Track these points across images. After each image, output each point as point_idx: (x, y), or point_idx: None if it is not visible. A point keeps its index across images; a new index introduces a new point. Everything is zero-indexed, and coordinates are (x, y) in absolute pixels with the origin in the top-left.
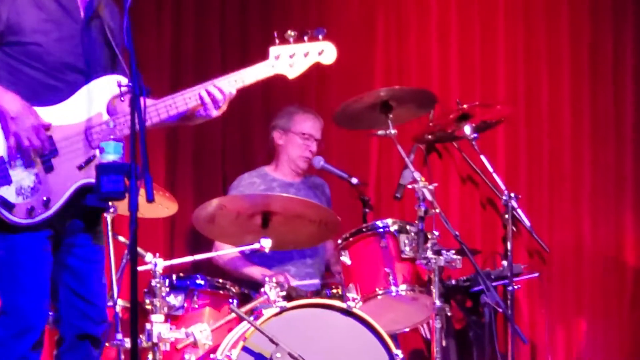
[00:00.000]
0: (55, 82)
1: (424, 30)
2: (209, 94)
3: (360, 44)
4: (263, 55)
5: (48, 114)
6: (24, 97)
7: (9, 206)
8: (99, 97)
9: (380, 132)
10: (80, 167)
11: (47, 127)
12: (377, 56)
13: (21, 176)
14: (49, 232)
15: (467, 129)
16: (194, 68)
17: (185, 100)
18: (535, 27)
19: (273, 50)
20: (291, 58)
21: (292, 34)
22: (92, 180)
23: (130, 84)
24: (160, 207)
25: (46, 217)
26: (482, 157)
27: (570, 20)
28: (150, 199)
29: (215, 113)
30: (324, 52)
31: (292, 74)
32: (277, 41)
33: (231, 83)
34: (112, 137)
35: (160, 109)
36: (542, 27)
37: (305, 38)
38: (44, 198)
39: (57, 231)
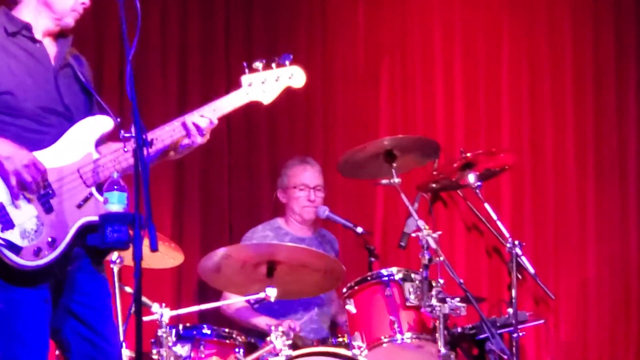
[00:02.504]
0: (39, 127)
1: (428, 79)
2: (193, 123)
3: (366, 93)
4: None
5: (41, 157)
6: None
7: (17, 249)
8: (85, 137)
9: (384, 181)
10: (79, 206)
11: (44, 168)
12: (381, 105)
13: (23, 219)
14: (49, 283)
15: (471, 177)
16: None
17: (170, 132)
18: (539, 76)
19: (245, 79)
20: (263, 84)
21: (260, 63)
22: (93, 218)
23: (132, 134)
24: (166, 257)
25: (54, 257)
26: (487, 205)
27: (574, 68)
28: (154, 248)
29: (200, 140)
30: (294, 75)
31: (266, 99)
32: (246, 71)
33: (210, 112)
34: (116, 187)
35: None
36: (546, 75)
37: (273, 65)
38: (49, 239)
39: (57, 278)
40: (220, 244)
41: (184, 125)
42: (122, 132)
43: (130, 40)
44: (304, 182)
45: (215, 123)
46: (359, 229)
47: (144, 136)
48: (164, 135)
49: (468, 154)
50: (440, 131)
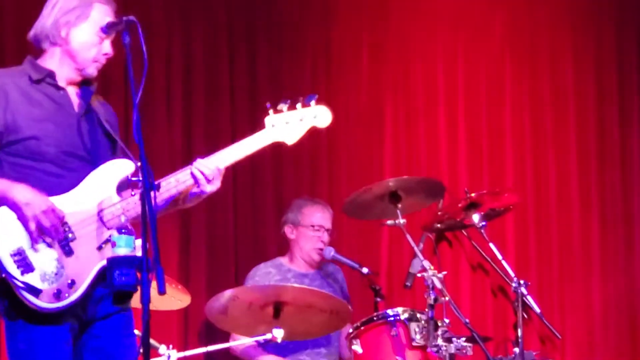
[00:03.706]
0: (61, 171)
1: (431, 120)
2: (200, 171)
3: (369, 133)
4: None
5: (59, 202)
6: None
7: (36, 291)
8: (107, 180)
9: (389, 222)
10: (99, 248)
11: (63, 213)
12: (386, 145)
13: (43, 262)
14: (70, 324)
15: (476, 218)
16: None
17: (175, 183)
18: (542, 115)
19: (268, 120)
20: (287, 125)
21: (285, 104)
22: None
23: (140, 178)
24: (173, 299)
25: (74, 300)
26: (491, 245)
27: (577, 107)
28: (161, 291)
29: (209, 189)
30: (318, 116)
31: (290, 140)
32: (270, 111)
33: (229, 155)
34: (124, 231)
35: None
36: (549, 115)
37: (298, 105)
38: (69, 281)
39: (80, 318)
40: (226, 285)
41: (192, 174)
42: (129, 176)
43: (137, 81)
44: (321, 223)
45: (222, 170)
46: (365, 270)
47: (150, 180)
48: (170, 185)
49: (472, 194)
50: (444, 171)
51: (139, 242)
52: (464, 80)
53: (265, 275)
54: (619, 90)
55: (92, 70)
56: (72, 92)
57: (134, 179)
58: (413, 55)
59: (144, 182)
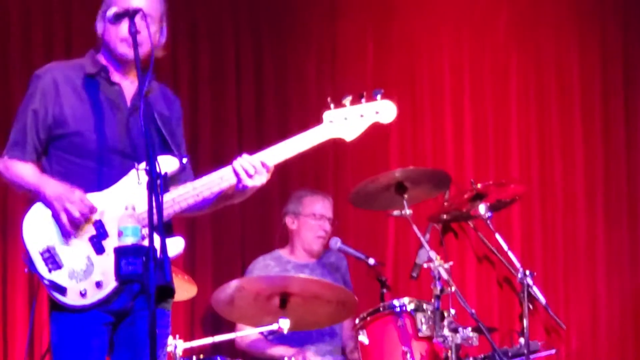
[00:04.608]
0: (103, 168)
1: (437, 111)
2: (243, 167)
3: (376, 125)
4: (278, 133)
5: (97, 198)
6: (76, 187)
7: (61, 290)
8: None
9: (395, 213)
10: None
11: (92, 204)
12: (392, 136)
13: (73, 259)
14: (106, 318)
15: (482, 208)
16: (211, 148)
17: (217, 181)
18: (547, 107)
19: (327, 115)
20: (346, 120)
21: (349, 97)
22: None
23: (147, 167)
24: (179, 289)
25: (100, 298)
26: (497, 236)
27: (582, 100)
28: (168, 280)
29: (251, 183)
30: (381, 111)
31: (349, 136)
32: (332, 106)
33: (281, 152)
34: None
35: (202, 188)
36: (554, 106)
37: (363, 100)
38: (97, 280)
39: (117, 316)
40: (232, 276)
41: (234, 169)
42: (136, 165)
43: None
44: (322, 212)
45: (270, 167)
46: (371, 261)
47: (157, 168)
48: (212, 183)
49: (478, 185)
50: (450, 162)
51: (145, 230)
52: (469, 70)
53: (264, 267)
54: (625, 83)
55: (123, 50)
56: (127, 86)
57: (140, 168)
58: (419, 45)
59: (151, 171)
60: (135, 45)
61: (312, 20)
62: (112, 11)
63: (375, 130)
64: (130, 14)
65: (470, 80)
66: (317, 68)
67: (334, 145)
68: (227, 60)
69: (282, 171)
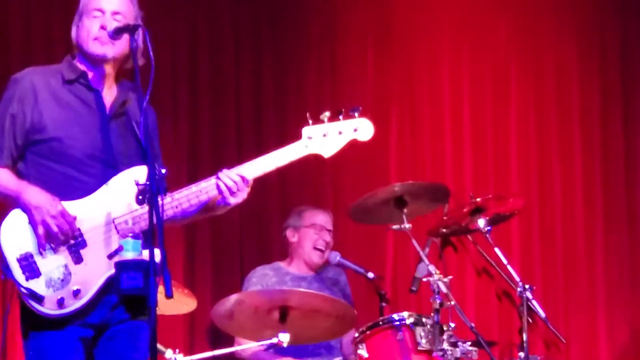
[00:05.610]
0: (80, 175)
1: (436, 125)
2: (224, 183)
3: (375, 139)
4: (277, 144)
5: (75, 207)
6: (52, 193)
7: (38, 298)
8: (126, 187)
9: (395, 227)
10: (110, 257)
11: (73, 218)
12: (391, 151)
13: (50, 268)
14: (81, 332)
15: (481, 222)
16: (211, 159)
17: (197, 193)
18: (547, 120)
19: (305, 131)
20: (324, 137)
21: (327, 114)
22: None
23: (147, 182)
24: (179, 303)
25: (77, 308)
26: (497, 250)
27: (581, 112)
28: (169, 295)
29: (233, 200)
30: (359, 129)
31: (326, 152)
32: (310, 122)
33: (259, 167)
34: (130, 234)
35: (181, 200)
36: (554, 119)
37: (340, 117)
38: (74, 289)
39: (97, 329)
40: (232, 290)
41: (217, 185)
42: (136, 181)
43: (144, 89)
44: (322, 223)
45: (249, 181)
46: (370, 275)
47: (157, 183)
48: (191, 196)
49: (478, 199)
50: (449, 176)
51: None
52: (469, 84)
53: (263, 277)
54: (624, 93)
55: (95, 48)
56: (107, 93)
57: (140, 184)
58: (418, 59)
59: (151, 186)
60: (136, 60)
61: (312, 34)
62: (112, 25)
63: (374, 145)
64: (130, 29)
65: (469, 95)
66: (316, 82)
67: (333, 160)
68: (227, 74)
69: (281, 186)
